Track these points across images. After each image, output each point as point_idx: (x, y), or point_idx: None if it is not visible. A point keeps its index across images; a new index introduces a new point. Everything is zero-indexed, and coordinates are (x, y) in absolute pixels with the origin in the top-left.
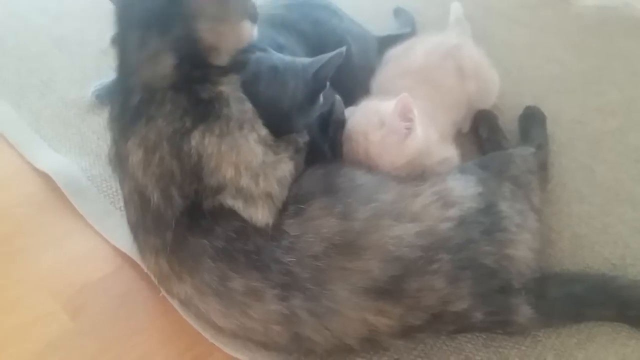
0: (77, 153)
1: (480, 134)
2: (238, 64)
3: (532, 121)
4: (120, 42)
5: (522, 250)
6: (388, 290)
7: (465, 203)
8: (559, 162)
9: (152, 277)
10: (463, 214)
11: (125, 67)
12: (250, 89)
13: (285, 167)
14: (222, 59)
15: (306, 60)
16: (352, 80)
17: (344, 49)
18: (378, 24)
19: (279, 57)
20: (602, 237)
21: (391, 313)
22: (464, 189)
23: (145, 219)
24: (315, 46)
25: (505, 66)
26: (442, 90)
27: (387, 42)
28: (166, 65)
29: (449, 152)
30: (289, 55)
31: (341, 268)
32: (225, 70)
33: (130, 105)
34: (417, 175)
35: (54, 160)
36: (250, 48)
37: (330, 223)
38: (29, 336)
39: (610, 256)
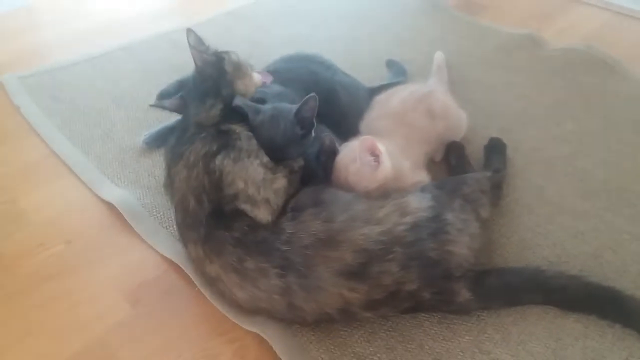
0: (132, 187)
1: (450, 161)
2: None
3: (494, 150)
4: (186, 110)
5: (461, 248)
6: (357, 273)
7: (418, 213)
8: (515, 182)
9: (192, 262)
10: (415, 220)
11: (187, 118)
12: (257, 132)
13: (280, 182)
14: None
15: (293, 106)
16: (342, 121)
17: (313, 94)
18: (377, 73)
19: (274, 107)
20: (544, 241)
21: (360, 289)
22: (419, 202)
23: (186, 219)
24: (310, 91)
25: (478, 103)
26: (415, 129)
27: (381, 90)
28: (217, 109)
29: (420, 177)
30: (285, 100)
31: (324, 256)
32: (241, 118)
33: (185, 137)
34: (384, 194)
35: (116, 193)
36: (255, 99)
37: (316, 224)
38: (102, 319)
39: (548, 255)
